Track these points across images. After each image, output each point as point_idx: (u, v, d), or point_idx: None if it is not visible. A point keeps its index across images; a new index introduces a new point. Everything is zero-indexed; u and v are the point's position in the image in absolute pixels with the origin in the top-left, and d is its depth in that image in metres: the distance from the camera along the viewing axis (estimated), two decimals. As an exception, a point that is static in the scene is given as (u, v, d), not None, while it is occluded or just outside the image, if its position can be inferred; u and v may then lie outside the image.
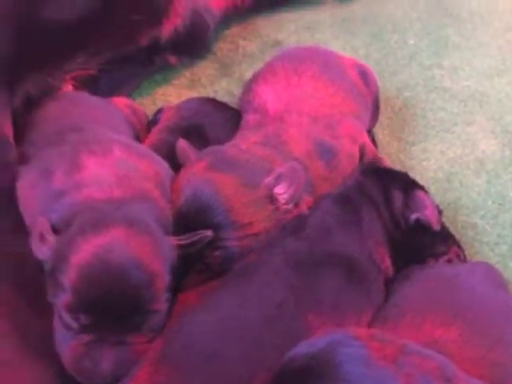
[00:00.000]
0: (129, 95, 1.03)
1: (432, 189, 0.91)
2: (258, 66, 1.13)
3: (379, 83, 0.99)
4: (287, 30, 1.19)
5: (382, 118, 1.01)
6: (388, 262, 0.73)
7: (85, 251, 0.58)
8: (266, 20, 1.20)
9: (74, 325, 0.58)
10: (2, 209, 0.68)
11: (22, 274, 0.65)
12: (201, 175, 0.70)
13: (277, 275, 0.66)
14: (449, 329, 0.62)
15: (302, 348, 0.54)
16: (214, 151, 0.74)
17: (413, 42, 1.17)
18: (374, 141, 0.97)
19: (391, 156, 0.98)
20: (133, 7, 0.91)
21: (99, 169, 0.66)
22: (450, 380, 0.53)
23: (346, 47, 1.16)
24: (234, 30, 1.17)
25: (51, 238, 0.61)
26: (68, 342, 0.59)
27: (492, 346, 0.64)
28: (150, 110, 1.02)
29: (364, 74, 0.92)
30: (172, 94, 1.08)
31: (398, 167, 0.96)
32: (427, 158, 0.99)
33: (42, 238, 0.62)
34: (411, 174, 0.88)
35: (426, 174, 0.96)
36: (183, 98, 1.08)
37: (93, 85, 0.91)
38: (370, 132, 0.94)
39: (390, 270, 0.73)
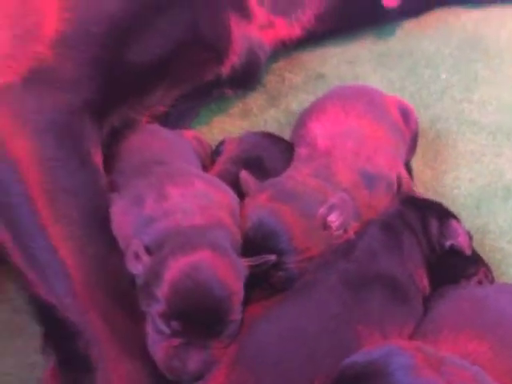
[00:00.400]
0: (189, 125, 1.16)
1: (462, 214, 1.01)
2: (302, 97, 1.26)
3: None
4: (329, 64, 1.30)
5: (416, 148, 1.12)
6: (425, 282, 0.83)
7: (176, 269, 0.70)
8: (310, 54, 1.31)
9: (166, 330, 0.70)
10: (97, 232, 0.80)
11: (118, 289, 0.76)
12: (264, 206, 0.82)
13: (331, 292, 0.77)
14: (481, 343, 0.72)
15: (359, 356, 0.65)
16: (274, 183, 0.86)
17: (444, 77, 1.28)
18: (409, 170, 1.08)
19: (425, 183, 1.09)
20: (201, 49, 1.04)
21: (182, 199, 0.78)
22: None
23: (383, 80, 1.27)
24: (281, 64, 1.28)
25: (145, 257, 0.73)
26: (160, 345, 0.71)
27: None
28: (207, 138, 1.13)
29: (405, 113, 1.03)
30: (227, 123, 1.20)
31: (431, 194, 1.07)
32: (458, 186, 1.09)
33: (137, 257, 0.74)
34: (443, 200, 0.99)
35: (456, 201, 1.06)
36: (237, 127, 1.21)
37: (163, 118, 1.03)
38: (407, 163, 1.05)
39: (427, 289, 0.83)
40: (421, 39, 1.36)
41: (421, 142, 1.14)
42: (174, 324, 0.69)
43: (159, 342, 0.71)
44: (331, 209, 0.82)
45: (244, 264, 0.75)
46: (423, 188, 1.07)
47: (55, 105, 0.85)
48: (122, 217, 0.79)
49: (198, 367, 0.70)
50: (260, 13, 1.16)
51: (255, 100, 1.23)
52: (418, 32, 1.37)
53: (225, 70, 1.11)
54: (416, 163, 1.11)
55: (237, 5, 1.10)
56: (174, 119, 1.08)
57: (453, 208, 0.97)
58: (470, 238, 0.89)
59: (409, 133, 1.02)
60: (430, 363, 0.62)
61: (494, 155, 1.13)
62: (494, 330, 0.74)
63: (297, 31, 1.25)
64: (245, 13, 1.12)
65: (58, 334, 0.76)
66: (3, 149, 0.81)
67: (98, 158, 0.86)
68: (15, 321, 0.89)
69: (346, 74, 1.29)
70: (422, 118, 1.19)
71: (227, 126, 1.19)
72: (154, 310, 0.70)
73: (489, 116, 1.21)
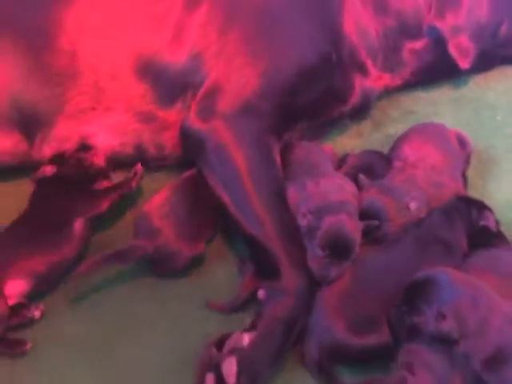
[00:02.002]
0: (320, 142, 1.75)
1: (499, 210, 1.48)
2: (398, 126, 1.79)
3: (474, 143, 1.67)
4: (418, 104, 1.85)
5: (472, 163, 1.67)
6: (465, 246, 1.40)
7: (328, 222, 1.32)
8: (405, 96, 1.86)
9: (320, 254, 1.32)
10: (279, 201, 1.42)
11: (291, 232, 1.38)
12: (374, 195, 1.43)
13: (408, 246, 1.37)
14: (491, 277, 1.29)
15: (422, 273, 1.24)
16: (379, 183, 1.47)
17: (499, 118, 1.81)
18: (466, 179, 1.63)
19: (477, 189, 1.61)
20: (334, 97, 1.65)
21: (331, 187, 1.40)
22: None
23: (455, 118, 1.80)
24: (384, 102, 1.84)
25: (309, 216, 1.35)
26: (316, 262, 1.32)
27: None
28: (332, 151, 1.74)
29: (462, 140, 1.62)
30: (345, 141, 1.77)
31: (479, 195, 1.54)
32: (499, 192, 1.63)
33: (304, 215, 1.36)
34: (487, 200, 1.49)
35: (496, 201, 1.55)
36: (352, 144, 1.77)
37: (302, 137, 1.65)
38: (464, 173, 1.61)
39: (466, 250, 1.40)
40: (485, 89, 1.89)
41: (476, 162, 1.68)
42: (326, 251, 1.31)
43: (315, 261, 1.33)
44: (412, 199, 1.42)
45: (361, 224, 1.36)
46: (475, 191, 1.59)
47: (256, 129, 1.50)
48: (293, 195, 1.43)
49: (336, 275, 1.31)
50: (374, 71, 1.75)
51: (365, 126, 1.81)
52: (483, 83, 1.90)
53: (346, 109, 1.72)
54: (471, 175, 1.65)
55: (359, 66, 1.71)
56: (308, 139, 1.70)
57: (493, 205, 1.49)
58: (498, 223, 1.44)
59: (464, 153, 1.61)
60: (464, 279, 1.21)
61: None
62: (500, 271, 1.32)
63: (397, 81, 1.82)
64: (364, 72, 1.72)
65: (258, 254, 1.40)
66: (229, 155, 1.46)
67: (278, 161, 1.50)
68: (222, 249, 1.54)
69: (429, 111, 1.84)
70: (480, 146, 1.73)
71: (345, 143, 1.77)
72: (314, 243, 1.32)
73: (531, 148, 1.75)
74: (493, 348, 1.18)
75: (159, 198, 1.49)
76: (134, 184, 1.55)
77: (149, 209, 1.48)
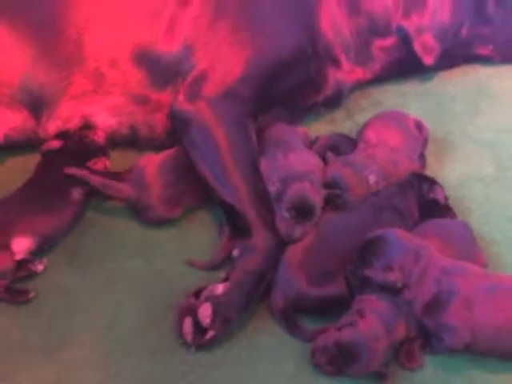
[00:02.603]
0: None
1: (449, 187, 1.71)
2: (366, 115, 1.97)
3: (432, 129, 1.87)
4: (386, 96, 2.05)
5: (430, 147, 1.85)
6: (416, 215, 1.60)
7: (294, 189, 1.53)
8: (374, 89, 2.05)
9: (287, 215, 1.52)
10: (253, 172, 1.62)
11: (263, 197, 1.58)
12: (337, 168, 1.63)
13: (367, 211, 1.57)
14: (436, 240, 1.48)
15: (373, 233, 1.43)
16: (343, 159, 1.67)
17: (458, 109, 2.01)
18: (424, 160, 1.82)
19: (434, 170, 1.80)
20: (308, 86, 1.86)
21: (298, 160, 1.60)
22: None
23: (419, 109, 1.99)
24: (356, 94, 2.03)
25: (277, 183, 1.55)
26: (283, 223, 1.53)
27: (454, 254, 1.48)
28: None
29: (419, 126, 1.82)
30: (320, 127, 1.96)
31: (435, 175, 1.74)
32: (452, 173, 1.82)
33: (273, 183, 1.56)
34: (441, 180, 1.71)
35: (449, 180, 1.77)
36: (326, 130, 1.96)
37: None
38: (422, 155, 1.81)
39: (417, 219, 1.60)
40: (447, 84, 2.09)
41: (434, 146, 1.88)
42: (291, 213, 1.51)
43: (282, 222, 1.53)
44: (371, 173, 1.62)
45: (323, 192, 1.56)
46: (431, 172, 1.79)
47: (236, 111, 1.70)
48: (265, 166, 1.63)
49: (300, 234, 1.52)
50: (346, 64, 1.95)
51: (337, 114, 2.00)
52: (447, 78, 2.09)
53: (320, 98, 1.92)
54: (429, 157, 1.84)
55: (333, 60, 1.91)
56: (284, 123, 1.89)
57: (445, 184, 1.71)
58: (446, 197, 1.65)
59: (421, 137, 1.81)
60: (409, 238, 1.41)
61: (478, 158, 1.88)
62: (445, 236, 1.52)
63: (368, 75, 2.02)
64: (337, 64, 1.92)
65: (233, 217, 1.60)
66: (211, 132, 1.66)
67: (254, 138, 1.70)
68: (204, 215, 1.73)
69: (396, 103, 2.03)
70: (438, 132, 1.93)
71: (319, 128, 1.95)
72: (282, 206, 1.53)
73: (482, 134, 1.95)
74: (430, 295, 1.38)
75: (158, 159, 1.71)
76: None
77: (146, 164, 1.69)
